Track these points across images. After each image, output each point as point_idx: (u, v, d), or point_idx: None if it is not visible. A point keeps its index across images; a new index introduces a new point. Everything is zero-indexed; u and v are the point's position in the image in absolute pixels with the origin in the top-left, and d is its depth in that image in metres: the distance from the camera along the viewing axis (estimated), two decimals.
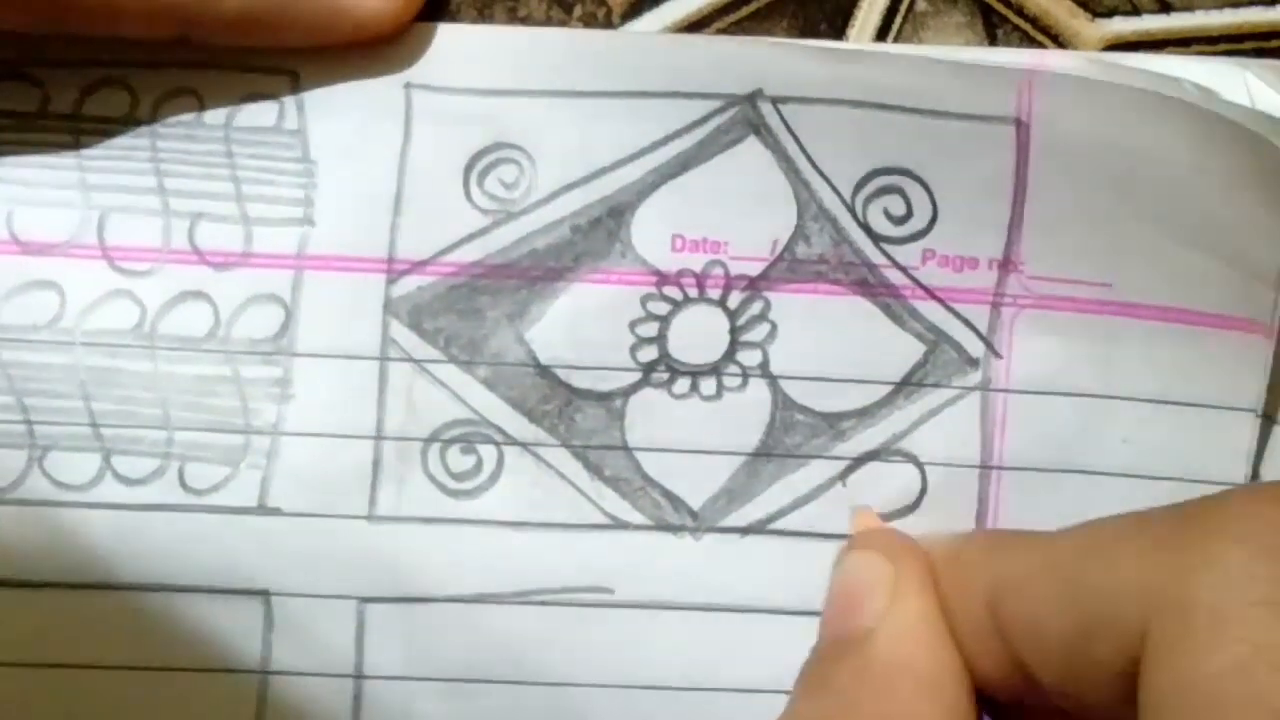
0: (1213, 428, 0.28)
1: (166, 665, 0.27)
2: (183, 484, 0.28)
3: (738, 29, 0.28)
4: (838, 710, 0.21)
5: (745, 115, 0.28)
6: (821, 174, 0.28)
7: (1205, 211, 0.27)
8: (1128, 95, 0.27)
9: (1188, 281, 0.28)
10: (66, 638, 0.27)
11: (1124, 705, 0.19)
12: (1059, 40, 0.27)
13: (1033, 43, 0.27)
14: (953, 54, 0.28)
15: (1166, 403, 0.28)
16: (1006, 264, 0.28)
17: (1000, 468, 0.28)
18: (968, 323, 0.28)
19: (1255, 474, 0.28)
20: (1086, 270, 0.28)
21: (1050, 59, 0.27)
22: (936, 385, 0.28)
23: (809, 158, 0.28)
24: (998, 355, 0.28)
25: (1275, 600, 0.17)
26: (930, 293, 0.28)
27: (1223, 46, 0.27)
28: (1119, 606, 0.19)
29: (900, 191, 0.28)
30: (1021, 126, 0.28)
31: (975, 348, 0.28)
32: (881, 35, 0.28)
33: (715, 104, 0.28)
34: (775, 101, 0.28)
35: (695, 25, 0.28)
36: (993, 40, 0.28)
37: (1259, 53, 0.27)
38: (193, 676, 0.27)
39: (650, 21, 0.28)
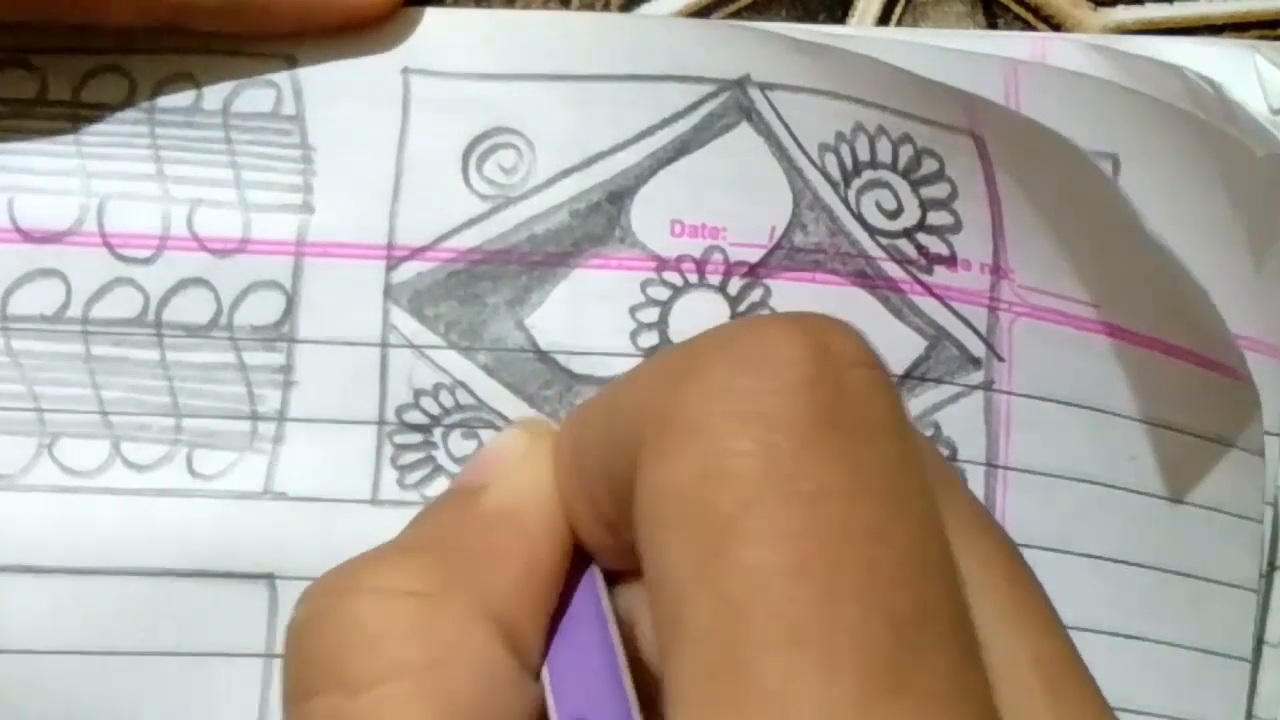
0: (1223, 460, 0.28)
1: (172, 650, 0.28)
2: (190, 470, 0.28)
3: (738, 18, 0.28)
4: (432, 539, 0.22)
5: (737, 100, 0.28)
6: (814, 163, 0.28)
7: (1186, 241, 0.27)
8: (1098, 110, 0.27)
9: (1171, 314, 0.28)
10: (74, 624, 0.27)
11: None
12: (1061, 30, 0.27)
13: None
14: (950, 38, 0.27)
15: (1172, 429, 0.28)
16: (997, 270, 0.28)
17: (1006, 468, 0.28)
18: (966, 321, 0.28)
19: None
20: (1073, 288, 0.28)
21: (1051, 44, 0.27)
22: (939, 381, 0.28)
23: (801, 147, 0.28)
24: (1000, 358, 0.28)
25: (748, 411, 0.17)
26: (928, 288, 0.28)
27: (1227, 36, 0.27)
28: (631, 420, 0.19)
29: (888, 186, 0.28)
30: (979, 140, 0.27)
31: (976, 347, 0.28)
32: (882, 24, 0.27)
33: (708, 88, 0.28)
34: (763, 88, 0.28)
35: (695, 15, 0.28)
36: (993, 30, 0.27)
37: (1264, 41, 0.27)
38: (198, 661, 0.28)
39: (650, 12, 0.28)
